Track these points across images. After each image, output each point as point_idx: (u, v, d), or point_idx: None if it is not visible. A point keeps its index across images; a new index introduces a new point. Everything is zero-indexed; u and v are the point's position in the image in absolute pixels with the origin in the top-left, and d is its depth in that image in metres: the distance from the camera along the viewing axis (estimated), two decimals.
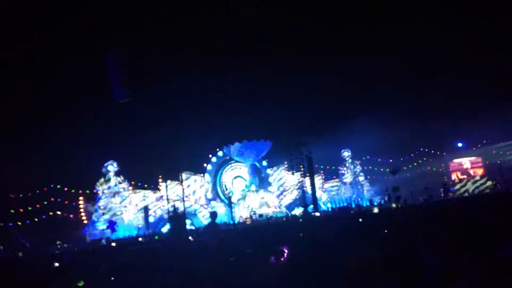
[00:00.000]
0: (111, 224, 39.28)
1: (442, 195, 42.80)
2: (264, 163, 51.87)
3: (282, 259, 7.13)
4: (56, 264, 11.38)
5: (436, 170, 54.87)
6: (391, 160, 53.41)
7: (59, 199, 41.40)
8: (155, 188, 45.68)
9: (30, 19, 35.79)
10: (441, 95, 48.85)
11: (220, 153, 50.68)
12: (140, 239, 30.79)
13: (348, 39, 47.97)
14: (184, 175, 45.31)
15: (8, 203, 38.15)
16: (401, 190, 33.54)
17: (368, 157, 54.42)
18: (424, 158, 54.92)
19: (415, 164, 53.76)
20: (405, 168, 51.90)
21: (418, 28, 45.17)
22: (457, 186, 50.87)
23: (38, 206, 39.83)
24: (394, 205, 31.98)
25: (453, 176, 53.46)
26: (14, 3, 31.84)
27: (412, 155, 53.49)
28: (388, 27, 46.21)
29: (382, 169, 54.07)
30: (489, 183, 46.68)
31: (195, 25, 45.45)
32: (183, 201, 35.71)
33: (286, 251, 7.29)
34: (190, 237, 19.69)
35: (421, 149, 54.41)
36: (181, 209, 33.78)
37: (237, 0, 42.54)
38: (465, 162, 53.44)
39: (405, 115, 46.36)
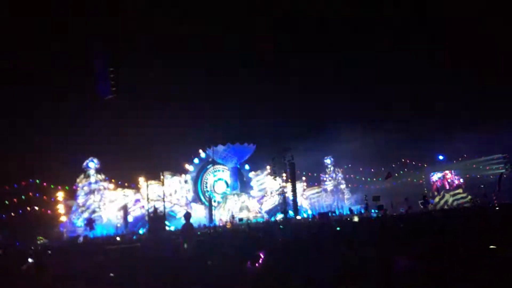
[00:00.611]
0: (90, 222, 38.81)
1: (421, 206, 43.43)
2: (247, 166, 51.90)
3: (257, 264, 7.15)
4: (30, 260, 11.19)
5: (417, 181, 55.70)
6: (372, 170, 54.10)
7: (37, 194, 40.68)
8: (135, 187, 45.22)
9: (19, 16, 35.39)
10: (425, 108, 49.83)
11: (202, 155, 50.53)
12: (118, 238, 30.49)
13: (336, 45, 48.52)
14: (165, 175, 45.05)
15: None
16: (381, 200, 34.25)
17: (350, 165, 54.93)
18: (405, 169, 55.70)
19: (396, 174, 54.45)
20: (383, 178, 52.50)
21: (401, 37, 46.01)
22: (436, 199, 51.57)
23: (15, 200, 39.05)
24: (374, 215, 32.51)
25: (433, 188, 54.29)
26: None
27: (393, 165, 54.17)
28: (372, 35, 46.98)
29: (363, 178, 54.75)
30: (468, 197, 47.39)
31: (183, 25, 45.34)
32: (163, 201, 35.40)
33: (262, 256, 7.32)
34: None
35: (402, 159, 55.16)
36: (161, 209, 33.52)
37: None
38: (445, 174, 54.28)
39: (388, 126, 47.08)
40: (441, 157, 55.77)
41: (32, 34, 36.07)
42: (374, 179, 54.33)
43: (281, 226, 19.37)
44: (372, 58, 47.97)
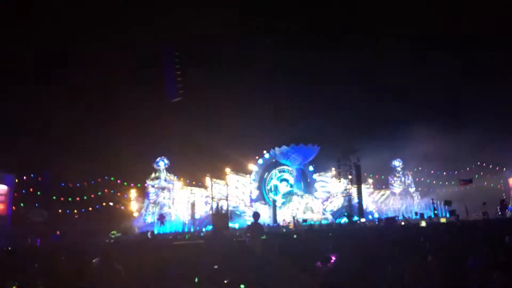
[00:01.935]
0: (161, 218, 40.73)
1: (499, 212, 40.50)
2: (311, 168, 51.43)
3: (329, 264, 7.15)
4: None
5: (494, 186, 51.95)
6: (444, 173, 51.35)
7: (112, 191, 43.42)
8: (202, 185, 46.65)
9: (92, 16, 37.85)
10: (500, 106, 46.22)
11: (266, 155, 50.90)
12: (187, 236, 31.57)
13: (403, 41, 46.55)
14: (230, 175, 45.99)
15: (65, 192, 40.53)
16: (454, 205, 32.31)
17: (420, 168, 52.51)
18: (481, 173, 52.08)
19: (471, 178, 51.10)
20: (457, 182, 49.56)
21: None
22: None
23: (92, 196, 41.92)
24: (443, 220, 30.78)
25: None
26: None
27: (468, 169, 50.90)
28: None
29: (434, 182, 52.08)
30: None
31: (251, 24, 45.77)
32: (227, 200, 36.15)
33: (333, 258, 7.27)
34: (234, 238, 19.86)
35: (478, 163, 51.63)
36: (224, 208, 34.25)
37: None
38: None
39: (462, 125, 44.25)
40: None
41: (108, 34, 38.31)
42: (446, 183, 51.44)
43: (330, 234, 18.79)
44: (452, 54, 45.27)
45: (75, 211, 40.72)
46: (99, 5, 37.57)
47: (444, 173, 51.62)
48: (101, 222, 37.95)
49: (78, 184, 41.32)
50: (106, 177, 43.17)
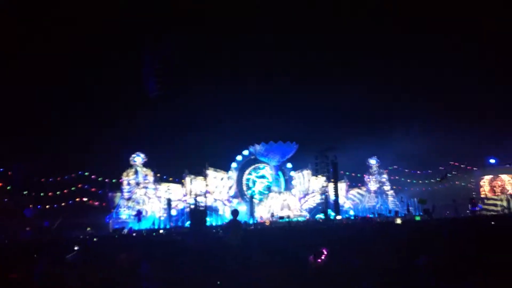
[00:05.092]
0: (139, 214, 40.05)
1: (468, 210, 41.67)
2: (289, 165, 51.63)
3: (319, 259, 7.17)
4: (76, 248, 11.58)
5: (465, 185, 53.37)
6: (418, 172, 52.44)
7: (86, 186, 42.53)
8: (179, 182, 46.18)
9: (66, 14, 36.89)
10: (476, 109, 47.59)
11: (245, 153, 50.77)
12: (161, 231, 31.22)
13: (381, 44, 47.30)
14: (209, 172, 45.70)
15: (37, 187, 39.48)
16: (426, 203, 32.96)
17: (395, 166, 53.44)
18: (454, 172, 53.41)
19: (442, 176, 52.33)
20: (432, 181, 50.77)
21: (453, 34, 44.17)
22: (490, 202, 49.25)
23: (65, 191, 40.97)
24: (417, 218, 31.42)
25: (482, 192, 51.94)
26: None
27: (440, 168, 52.12)
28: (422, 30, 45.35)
29: (408, 180, 53.13)
30: None
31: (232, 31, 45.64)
32: (205, 196, 35.90)
33: (325, 252, 7.29)
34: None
35: (451, 162, 52.93)
36: (203, 204, 33.98)
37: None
38: (500, 179, 51.77)
39: (437, 127, 45.33)
40: (492, 161, 53.12)
41: (82, 31, 37.45)
42: (420, 181, 52.57)
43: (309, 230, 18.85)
44: (424, 58, 46.27)
45: (47, 206, 39.70)
46: None
47: (418, 172, 52.74)
48: (74, 217, 37.07)
49: (50, 179, 40.31)
50: (80, 172, 42.22)
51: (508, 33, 41.05)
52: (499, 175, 51.94)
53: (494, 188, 51.95)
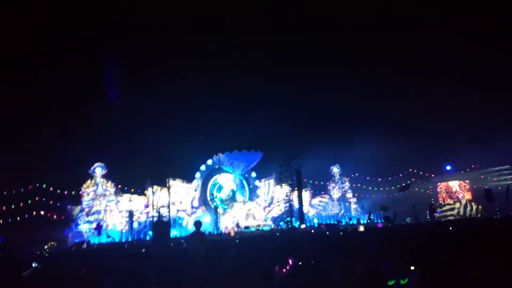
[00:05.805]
0: (98, 227, 38.79)
1: (428, 216, 43.13)
2: (254, 174, 51.66)
3: (284, 270, 7.12)
4: (35, 265, 11.09)
5: (424, 191, 55.20)
6: (379, 179, 53.76)
7: (43, 199, 40.83)
8: (141, 193, 45.19)
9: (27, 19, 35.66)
10: (432, 118, 49.51)
11: (209, 162, 50.36)
12: (125, 245, 30.42)
13: (345, 55, 48.44)
14: (172, 182, 44.98)
15: None
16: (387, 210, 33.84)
17: (357, 174, 54.56)
18: (413, 179, 55.13)
19: (403, 184, 53.87)
20: (393, 187, 52.12)
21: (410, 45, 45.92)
22: (446, 207, 51.26)
23: (21, 204, 39.18)
24: (380, 225, 32.16)
25: (440, 198, 53.98)
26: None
27: (400, 175, 53.69)
28: (381, 44, 46.89)
29: (369, 187, 54.33)
30: (480, 208, 46.93)
31: (191, 34, 45.51)
32: (169, 208, 35.29)
33: (290, 262, 7.25)
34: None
35: (410, 169, 54.64)
36: (166, 215, 33.37)
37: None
38: (453, 185, 54.05)
39: (395, 135, 46.69)
40: (448, 168, 55.35)
41: (41, 37, 36.24)
42: (381, 189, 53.90)
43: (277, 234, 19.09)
44: (382, 64, 47.73)
45: (0, 221, 37.80)
46: None
47: (379, 179, 54.06)
48: (31, 231, 35.38)
49: (5, 192, 38.47)
50: (37, 184, 40.51)
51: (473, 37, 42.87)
52: (448, 182, 54.42)
53: (451, 194, 54.14)
